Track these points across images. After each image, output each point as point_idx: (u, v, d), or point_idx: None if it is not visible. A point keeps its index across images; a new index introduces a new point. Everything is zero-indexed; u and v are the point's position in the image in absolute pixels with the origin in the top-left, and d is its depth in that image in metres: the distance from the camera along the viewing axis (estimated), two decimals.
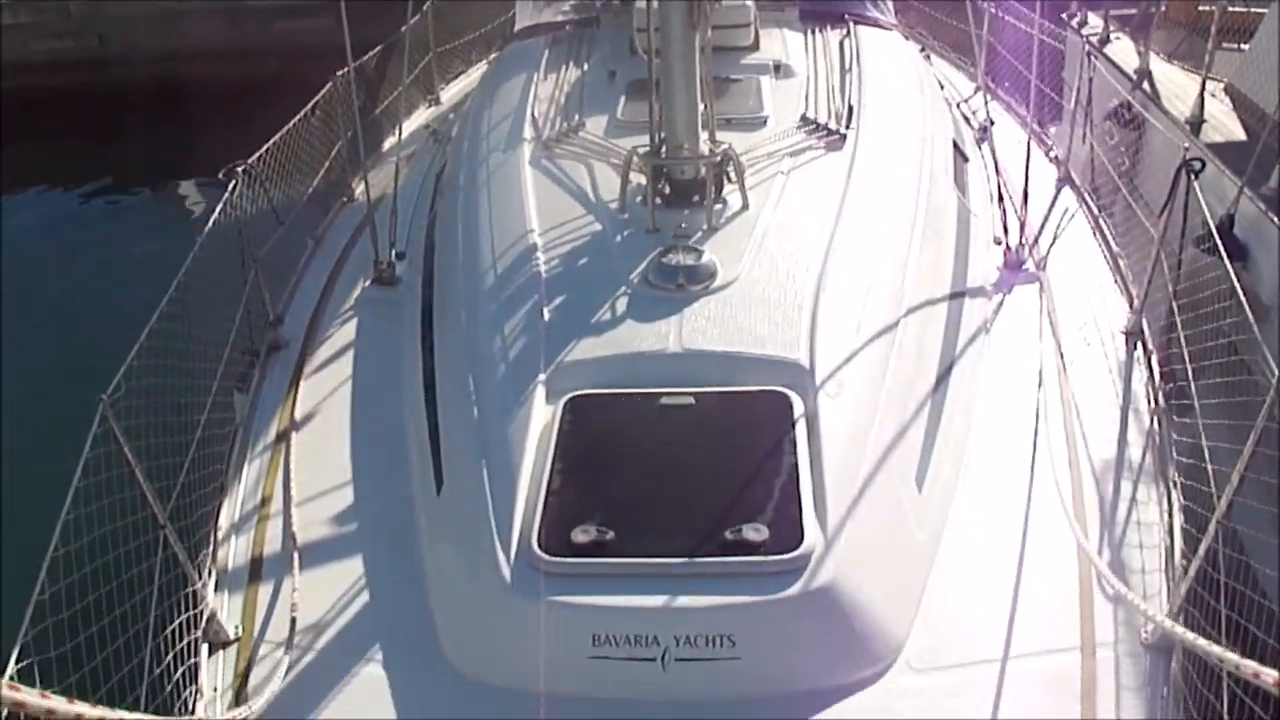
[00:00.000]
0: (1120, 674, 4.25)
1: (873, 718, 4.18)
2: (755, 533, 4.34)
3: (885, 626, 4.41)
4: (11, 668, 3.14)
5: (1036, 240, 6.93)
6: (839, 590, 4.30)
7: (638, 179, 6.27)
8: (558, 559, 4.36)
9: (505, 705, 4.29)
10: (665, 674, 4.23)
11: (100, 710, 2.49)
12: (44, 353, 9.03)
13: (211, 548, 5.04)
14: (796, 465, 4.63)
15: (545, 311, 5.51)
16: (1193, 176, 5.64)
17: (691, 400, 4.98)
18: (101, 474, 4.06)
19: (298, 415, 6.01)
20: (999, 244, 6.95)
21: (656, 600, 4.25)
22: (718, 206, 6.12)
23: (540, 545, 4.39)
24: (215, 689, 4.51)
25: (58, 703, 2.33)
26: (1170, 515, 4.85)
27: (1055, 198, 7.59)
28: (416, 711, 4.34)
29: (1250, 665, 2.48)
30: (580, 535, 4.40)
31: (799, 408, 4.89)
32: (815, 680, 4.29)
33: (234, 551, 5.16)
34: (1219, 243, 5.47)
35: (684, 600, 4.25)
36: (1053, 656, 4.34)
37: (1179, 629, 3.76)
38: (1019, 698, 4.19)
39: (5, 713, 2.60)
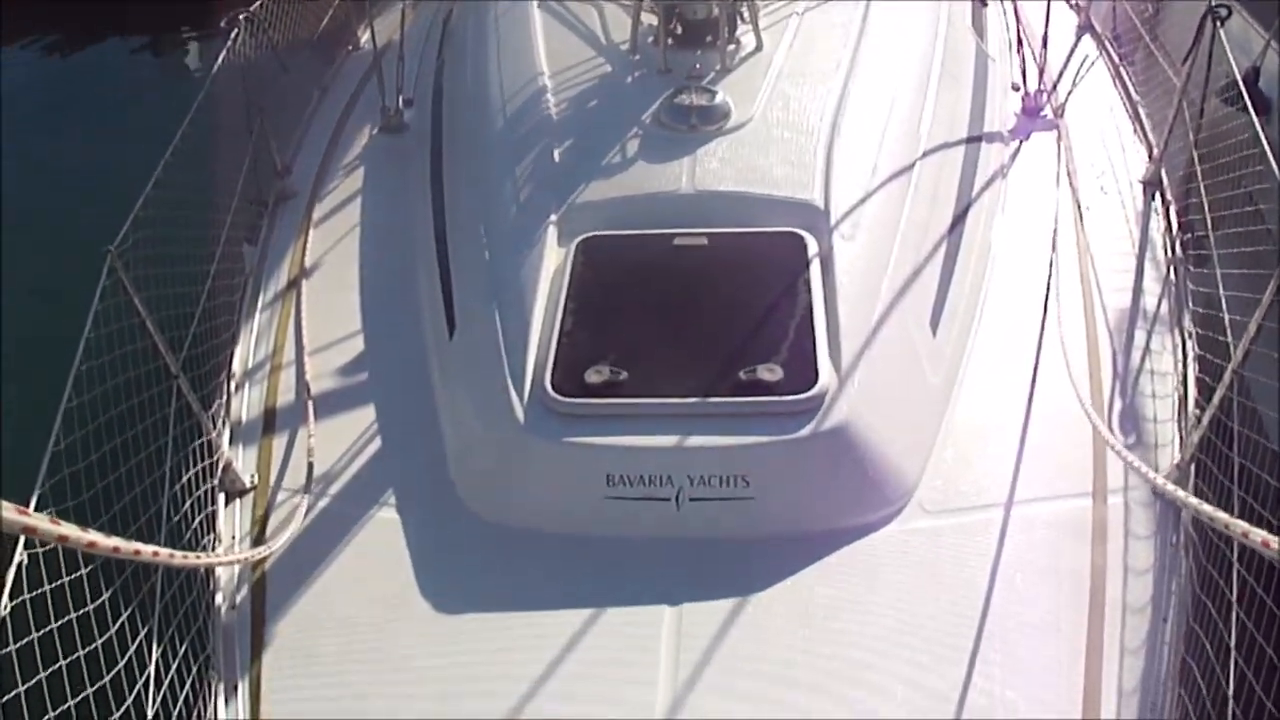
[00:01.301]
0: (1130, 521, 4.27)
1: (885, 558, 4.23)
2: (769, 373, 4.35)
3: (898, 468, 4.44)
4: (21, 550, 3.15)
5: (1055, 87, 6.76)
6: (853, 431, 4.31)
7: (649, 19, 6.12)
8: (571, 400, 4.37)
9: (520, 546, 4.35)
10: (679, 514, 4.27)
11: (115, 540, 2.47)
12: (47, 209, 8.93)
13: (225, 398, 5.04)
14: (811, 306, 4.62)
15: (556, 154, 5.45)
16: (1218, 24, 5.48)
17: (705, 241, 4.96)
18: (112, 325, 4.04)
19: (308, 264, 5.97)
20: (1017, 90, 6.81)
21: (670, 440, 4.28)
22: (730, 47, 5.97)
23: (554, 387, 4.40)
24: (234, 536, 4.56)
25: (70, 530, 2.26)
26: (1184, 365, 4.82)
27: (1075, 44, 7.38)
28: (432, 554, 4.39)
29: (1259, 534, 2.46)
30: (594, 376, 4.41)
31: (813, 249, 4.86)
32: (828, 521, 4.33)
33: (248, 401, 5.17)
34: (1244, 93, 5.32)
35: (698, 440, 4.27)
36: (1064, 502, 4.35)
37: (1185, 494, 3.75)
38: (1030, 541, 4.23)
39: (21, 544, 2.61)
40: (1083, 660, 3.85)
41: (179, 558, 3.20)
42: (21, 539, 3.07)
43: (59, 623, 3.16)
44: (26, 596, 3.03)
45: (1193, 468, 4.27)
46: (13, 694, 2.85)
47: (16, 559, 3.05)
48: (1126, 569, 4.12)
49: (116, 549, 2.51)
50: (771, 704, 3.79)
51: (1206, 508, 2.88)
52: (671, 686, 3.83)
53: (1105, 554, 4.16)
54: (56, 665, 3.07)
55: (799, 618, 4.03)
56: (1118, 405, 4.73)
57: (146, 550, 2.70)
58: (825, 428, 4.28)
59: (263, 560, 4.36)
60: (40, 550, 3.13)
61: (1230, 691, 3.32)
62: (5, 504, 1.95)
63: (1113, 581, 4.08)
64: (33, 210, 8.93)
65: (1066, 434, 4.57)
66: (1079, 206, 5.83)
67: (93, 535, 2.35)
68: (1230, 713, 3.30)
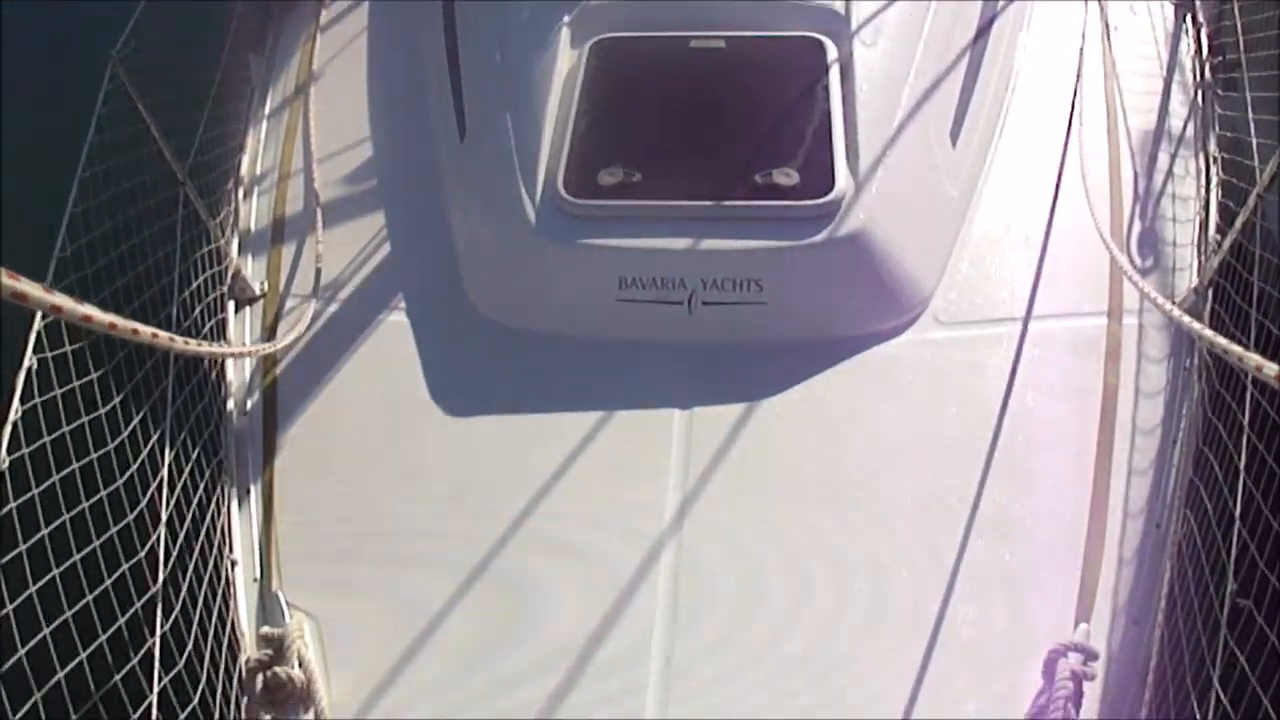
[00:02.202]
0: (1144, 342, 4.26)
1: (897, 368, 4.25)
2: (785, 177, 4.32)
3: (913, 278, 4.44)
4: (38, 324, 3.15)
5: None
6: (868, 238, 4.30)
7: None
8: (584, 201, 4.36)
9: (531, 348, 4.38)
10: (691, 317, 4.30)
11: (110, 316, 2.40)
12: (44, 15, 8.64)
13: (233, 205, 5.00)
14: (829, 112, 4.55)
15: None
16: None
17: (722, 44, 4.85)
18: (116, 130, 3.98)
19: (315, 70, 5.85)
20: None
21: (684, 243, 4.28)
22: None
23: (566, 188, 4.37)
24: (244, 343, 4.57)
25: (63, 300, 2.16)
26: (1207, 190, 4.74)
27: None
28: (442, 357, 4.42)
29: (1272, 368, 2.44)
30: (606, 178, 4.39)
31: (833, 54, 4.76)
32: (841, 328, 4.35)
33: (256, 209, 5.14)
34: None
35: (711, 243, 4.26)
36: (1080, 319, 4.34)
37: (1198, 326, 3.73)
38: (1043, 356, 4.24)
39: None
40: (1091, 477, 3.89)
41: (194, 345, 3.20)
42: (31, 342, 3.11)
43: (71, 426, 3.19)
44: (38, 400, 3.05)
45: (1210, 292, 4.24)
46: (26, 497, 2.87)
47: (25, 364, 3.07)
48: (1139, 390, 4.13)
49: (135, 331, 2.49)
50: (780, 507, 3.86)
51: (1221, 340, 2.85)
52: (681, 488, 3.90)
53: (1118, 374, 4.16)
54: (70, 469, 3.11)
55: (809, 424, 4.09)
56: (1137, 227, 4.67)
57: (163, 336, 2.69)
58: (841, 234, 4.26)
59: (273, 365, 4.40)
60: (50, 354, 3.17)
61: (1237, 512, 3.35)
62: (30, 283, 1.92)
63: (1124, 401, 4.09)
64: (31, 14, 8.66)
65: (1084, 253, 4.53)
66: (1107, 25, 5.64)
67: (114, 318, 2.33)
68: (1235, 533, 3.33)
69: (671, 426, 4.08)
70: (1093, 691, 3.34)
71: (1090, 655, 3.35)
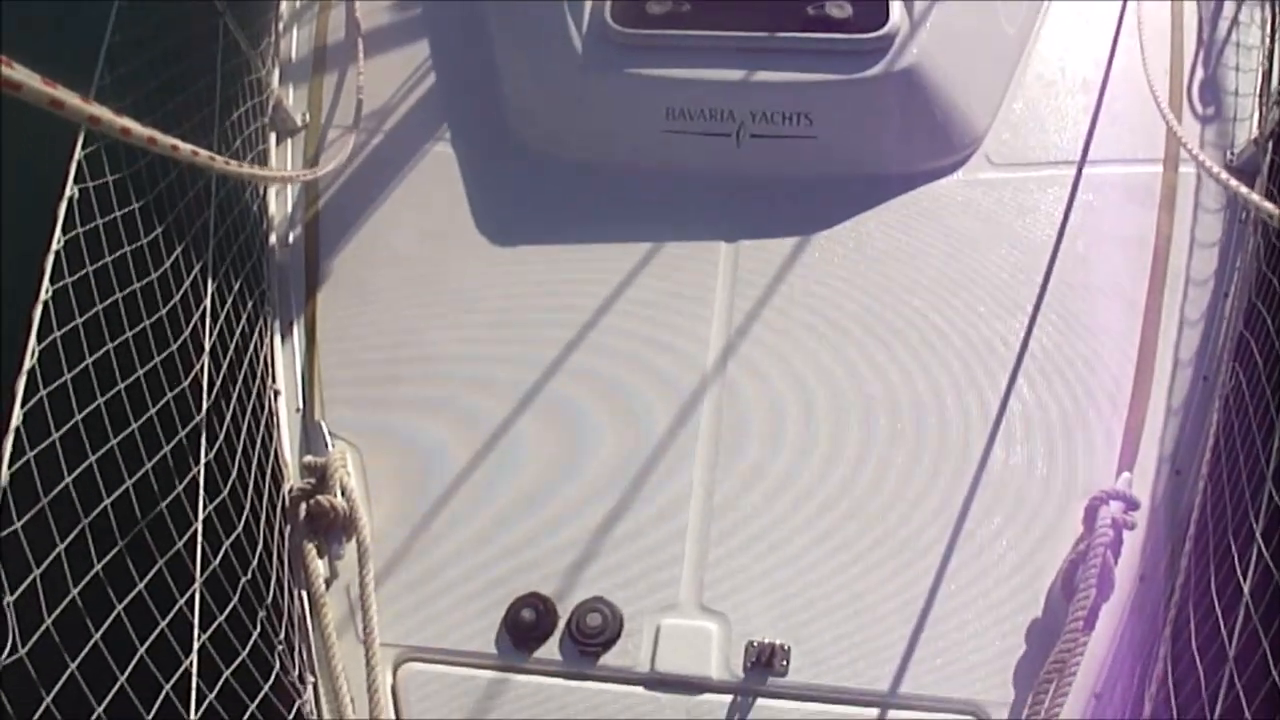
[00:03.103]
0: (1201, 192, 4.15)
1: (947, 207, 4.21)
2: (838, 10, 4.24)
3: (966, 116, 4.36)
4: (78, 153, 3.13)
5: None
6: (921, 74, 4.22)
7: None
8: (631, 30, 4.28)
9: (576, 180, 4.36)
10: (739, 150, 4.26)
11: (150, 130, 2.31)
12: None
13: (273, 36, 4.91)
14: None
15: None
16: None
17: None
18: None
19: None
20: None
21: (733, 74, 4.22)
22: None
23: (613, 17, 4.30)
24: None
25: (101, 111, 2.08)
26: (1273, 37, 4.55)
27: None
28: (486, 188, 4.41)
29: None
30: (655, 7, 4.32)
31: None
32: (891, 165, 4.30)
33: (296, 40, 5.05)
34: None
35: (761, 75, 4.20)
36: (1135, 166, 4.23)
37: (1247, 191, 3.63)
38: (1096, 201, 4.15)
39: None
40: (1140, 326, 3.85)
41: (235, 165, 3.16)
42: (72, 172, 3.10)
43: (113, 256, 3.19)
44: (80, 231, 3.06)
45: (1271, 144, 4.11)
46: (69, 326, 2.89)
47: (67, 194, 3.06)
48: (1193, 240, 4.04)
49: (175, 148, 2.44)
50: (824, 344, 3.87)
51: (1268, 205, 2.75)
52: (725, 321, 3.92)
53: (1172, 223, 4.08)
54: (112, 298, 3.12)
55: (856, 261, 4.07)
56: (1199, 74, 4.52)
57: (204, 153, 2.66)
58: (893, 69, 4.19)
59: (315, 196, 4.38)
60: (92, 184, 3.15)
61: None
62: (67, 90, 1.87)
63: (1177, 251, 4.01)
64: None
65: (1142, 98, 4.37)
66: None
67: (153, 132, 2.27)
68: None
69: (717, 259, 4.08)
70: (1132, 541, 3.33)
71: (1131, 504, 3.34)
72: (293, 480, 3.64)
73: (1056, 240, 4.02)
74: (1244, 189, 2.96)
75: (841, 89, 4.17)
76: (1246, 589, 2.79)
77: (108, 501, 2.82)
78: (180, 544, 3.00)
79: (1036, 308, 3.88)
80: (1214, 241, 4.04)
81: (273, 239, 4.27)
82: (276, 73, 4.80)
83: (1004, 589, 3.39)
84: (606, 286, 4.02)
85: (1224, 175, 3.20)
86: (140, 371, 3.13)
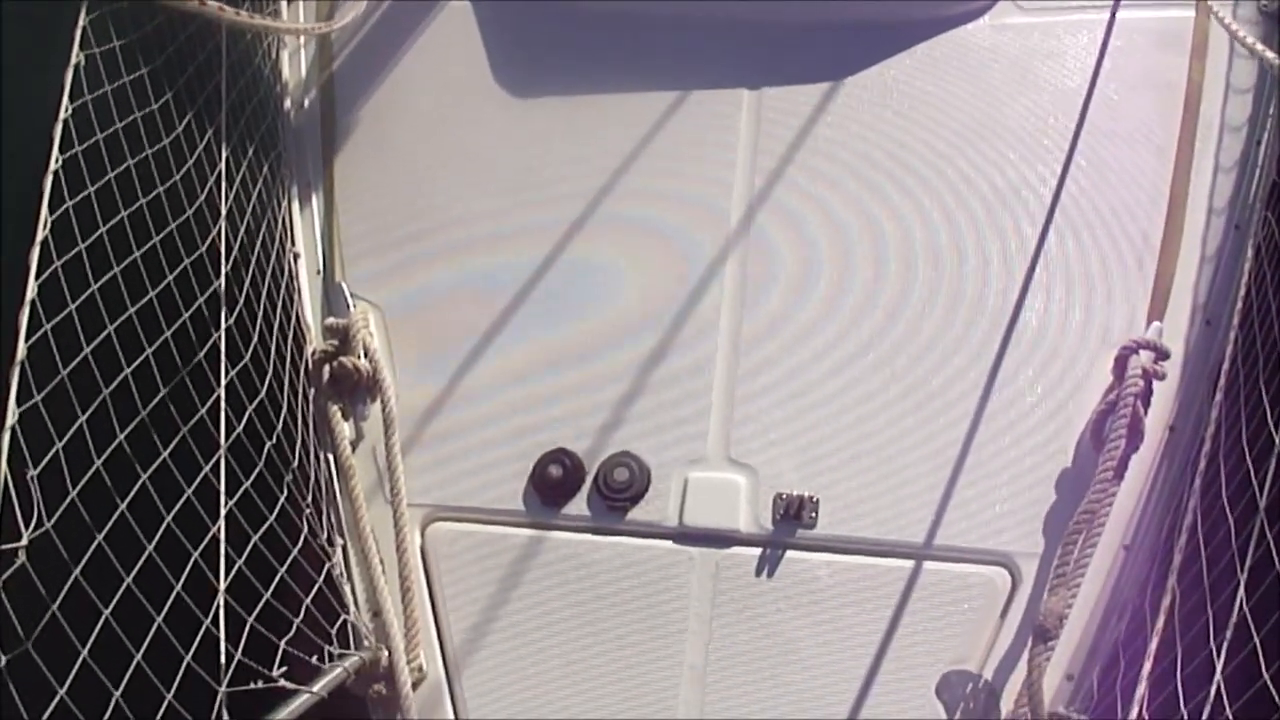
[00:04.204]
0: (1234, 40, 4.00)
1: (974, 52, 4.11)
2: None
3: None
4: (83, 19, 3.04)
5: None
6: None
7: None
8: None
9: (597, 26, 4.27)
10: None
11: None
12: None
13: None
14: None
15: None
16: None
17: None
18: None
19: None
20: None
21: None
22: None
23: None
24: (299, 36, 4.44)
25: None
26: None
27: None
28: (504, 37, 4.30)
29: None
30: None
31: None
32: (917, 9, 4.19)
33: None
34: None
35: None
36: (1166, 10, 4.09)
37: None
38: (1126, 46, 4.02)
39: None
40: (1171, 172, 3.76)
41: (245, 16, 3.06)
42: (77, 39, 3.02)
43: (123, 123, 3.13)
44: (88, 98, 2.97)
45: None
46: (81, 196, 2.84)
47: (74, 60, 2.99)
48: (1227, 86, 3.92)
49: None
50: (851, 191, 3.83)
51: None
52: (750, 170, 3.88)
53: (1204, 70, 3.95)
54: (124, 165, 3.07)
55: (882, 107, 4.00)
56: None
57: (212, 3, 2.58)
58: None
59: (329, 55, 4.28)
60: (99, 50, 3.07)
61: None
62: None
63: (1209, 98, 3.90)
64: None
65: None
66: None
67: None
68: None
69: (740, 107, 4.01)
70: (1163, 391, 3.30)
71: (1162, 353, 3.30)
72: (315, 343, 3.64)
73: (1086, 87, 3.92)
74: None
75: None
76: (1279, 440, 2.75)
77: (127, 371, 2.80)
78: (203, 410, 3.00)
79: (1067, 155, 3.80)
80: (1247, 88, 3.92)
81: (288, 101, 4.19)
82: None
83: (1033, 439, 3.39)
84: (628, 137, 3.95)
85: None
86: (156, 238, 3.09)
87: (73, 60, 2.99)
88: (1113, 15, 3.84)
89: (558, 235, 3.79)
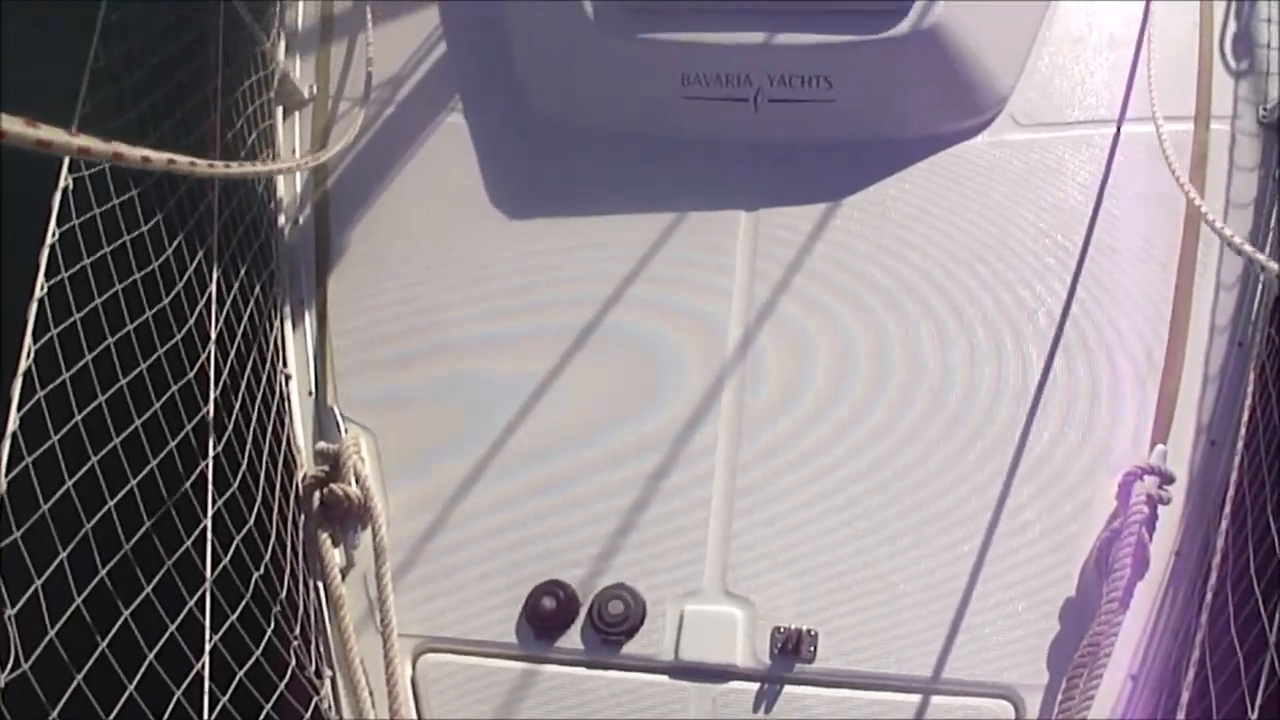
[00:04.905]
0: (1234, 150, 4.01)
1: (972, 170, 4.10)
2: None
3: (991, 75, 4.23)
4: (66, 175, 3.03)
5: None
6: (944, 32, 4.08)
7: None
8: None
9: (592, 147, 4.26)
10: (758, 115, 4.15)
11: (168, 154, 2.25)
12: None
13: (279, 6, 4.80)
14: None
15: None
16: None
17: None
18: None
19: None
20: None
21: (749, 37, 4.08)
22: None
23: None
24: (293, 150, 4.44)
25: (123, 147, 2.03)
26: None
27: None
28: (499, 156, 4.32)
29: None
30: None
31: None
32: (914, 127, 4.19)
33: (303, 8, 4.93)
34: None
35: (779, 38, 4.07)
36: (1165, 124, 4.09)
37: None
38: (1126, 161, 4.03)
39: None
40: (1173, 289, 3.74)
41: (236, 167, 3.04)
42: (66, 162, 2.99)
43: (112, 246, 3.10)
44: (76, 221, 2.96)
45: None
46: (67, 323, 2.80)
47: (62, 184, 2.97)
48: (1227, 200, 3.91)
49: (172, 161, 2.35)
50: (848, 312, 3.79)
51: None
52: (747, 292, 3.85)
53: (1204, 182, 3.94)
54: (112, 290, 3.03)
55: (880, 226, 3.98)
56: (1231, 27, 4.35)
57: (203, 163, 2.56)
58: (915, 28, 4.04)
59: (324, 172, 4.28)
60: (87, 173, 3.05)
61: None
62: (52, 129, 1.79)
63: (1210, 211, 3.87)
64: None
65: (1173, 52, 4.23)
66: None
67: (145, 151, 2.19)
68: None
69: (737, 228, 3.99)
70: (1168, 514, 3.24)
71: (1166, 478, 3.24)
72: (306, 468, 3.57)
73: (1086, 202, 3.93)
74: None
75: (862, 50, 4.03)
76: None
77: (111, 504, 2.74)
78: (189, 542, 2.94)
79: (1068, 273, 3.79)
80: (1248, 202, 3.91)
81: (281, 218, 4.17)
82: (283, 44, 4.67)
83: (1036, 567, 3.32)
84: (624, 258, 3.94)
85: None
86: (143, 365, 3.04)
87: (61, 182, 2.97)
88: (1118, 131, 3.85)
89: (553, 358, 3.75)
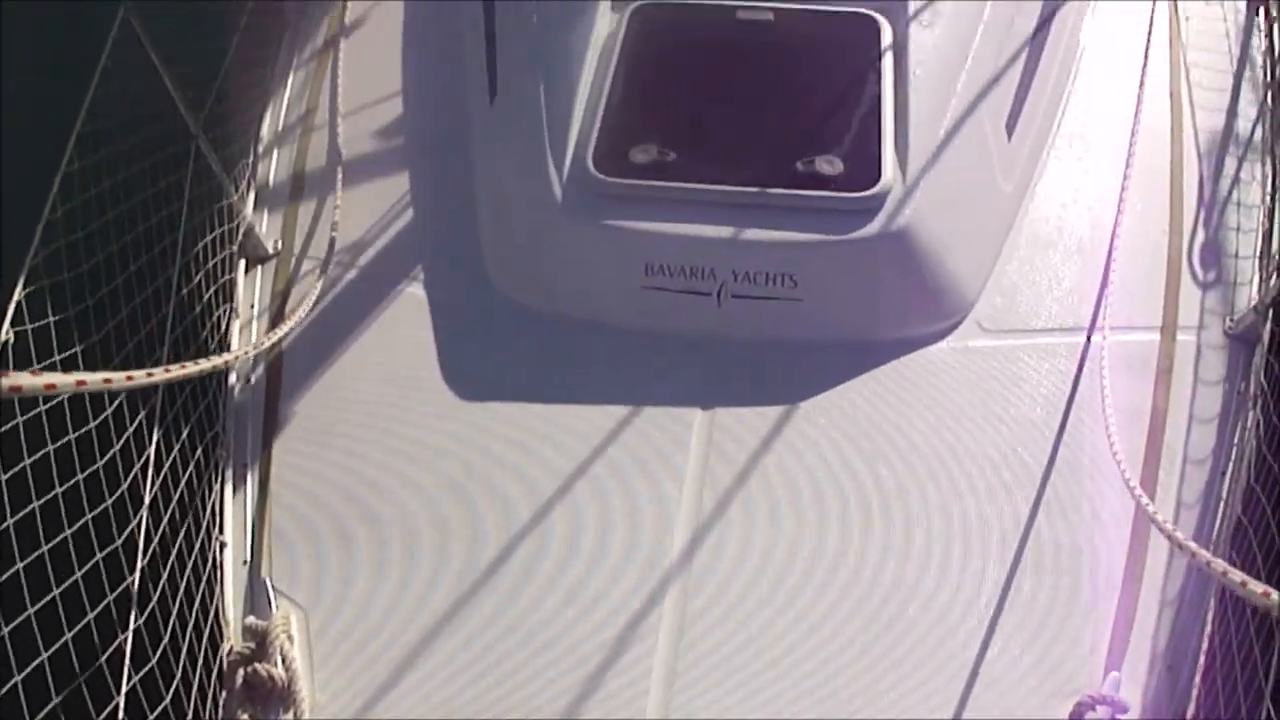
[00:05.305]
0: (1200, 362, 4.01)
1: (935, 377, 4.04)
2: (829, 165, 4.09)
3: (958, 280, 4.21)
4: (18, 293, 2.95)
5: None
6: (912, 236, 4.06)
7: None
8: (613, 179, 4.13)
9: (549, 332, 4.20)
10: (720, 310, 4.10)
11: (104, 373, 2.25)
12: None
13: (251, 159, 4.80)
14: (879, 97, 4.28)
15: None
16: None
17: (770, 16, 4.56)
18: (124, 81, 3.74)
19: (348, 19, 5.60)
20: None
21: (716, 230, 4.06)
22: None
23: (595, 164, 4.16)
24: (252, 306, 4.39)
25: (56, 377, 2.07)
26: (1273, 198, 4.44)
27: None
28: (458, 333, 4.25)
29: None
30: (639, 155, 4.18)
31: (887, 35, 4.47)
32: (877, 330, 4.15)
33: (275, 164, 4.95)
34: None
35: (746, 233, 4.04)
36: (1131, 334, 4.10)
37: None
38: (1090, 371, 3.99)
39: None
40: (1134, 508, 3.62)
41: (177, 370, 2.90)
42: (10, 315, 2.92)
43: (49, 403, 2.98)
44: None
45: (1271, 312, 3.97)
46: None
47: (13, 304, 2.89)
48: (1191, 415, 3.90)
49: (108, 380, 2.29)
50: (802, 520, 3.66)
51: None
52: (697, 495, 3.72)
53: (1168, 395, 3.94)
54: (43, 450, 2.92)
55: (838, 431, 3.89)
56: (1200, 236, 4.39)
57: (140, 374, 2.49)
58: (883, 230, 4.03)
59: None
60: (30, 326, 2.97)
61: None
62: None
63: (1174, 425, 3.87)
64: None
65: (1141, 261, 4.27)
66: (1177, 14, 5.30)
67: (80, 375, 2.15)
68: None
69: (692, 427, 3.89)
70: None
71: (1119, 709, 3.14)
72: (232, 642, 3.42)
73: (1049, 415, 3.89)
74: None
75: (829, 250, 4.02)
76: None
77: (18, 679, 2.59)
78: (102, 717, 2.78)
79: (1028, 488, 3.71)
80: (1212, 416, 3.90)
81: (233, 376, 4.07)
82: (251, 198, 4.67)
83: None
84: (573, 452, 3.83)
85: None
86: (68, 531, 2.91)
87: (1, 337, 2.88)
88: (1088, 340, 3.84)
89: (494, 548, 3.62)
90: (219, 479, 3.76)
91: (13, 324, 2.91)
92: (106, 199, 3.65)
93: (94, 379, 2.18)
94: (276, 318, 4.26)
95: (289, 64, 5.44)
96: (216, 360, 3.31)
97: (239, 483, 3.83)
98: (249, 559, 3.66)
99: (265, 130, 5.05)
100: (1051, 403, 3.93)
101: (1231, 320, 4.12)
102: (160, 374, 2.65)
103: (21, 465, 2.82)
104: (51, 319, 3.05)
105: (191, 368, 2.95)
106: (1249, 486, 3.54)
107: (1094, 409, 3.90)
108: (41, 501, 2.85)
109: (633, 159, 4.16)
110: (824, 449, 3.83)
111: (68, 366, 3.08)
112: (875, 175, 4.07)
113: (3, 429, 2.78)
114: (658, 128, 4.26)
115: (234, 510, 3.76)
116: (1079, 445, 3.83)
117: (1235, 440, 3.81)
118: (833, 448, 3.84)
